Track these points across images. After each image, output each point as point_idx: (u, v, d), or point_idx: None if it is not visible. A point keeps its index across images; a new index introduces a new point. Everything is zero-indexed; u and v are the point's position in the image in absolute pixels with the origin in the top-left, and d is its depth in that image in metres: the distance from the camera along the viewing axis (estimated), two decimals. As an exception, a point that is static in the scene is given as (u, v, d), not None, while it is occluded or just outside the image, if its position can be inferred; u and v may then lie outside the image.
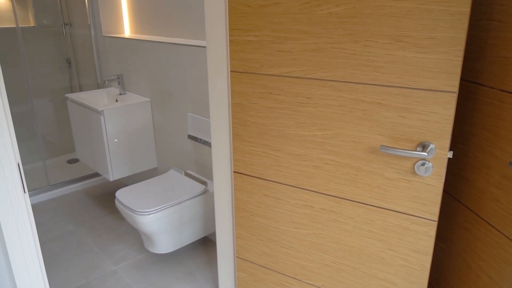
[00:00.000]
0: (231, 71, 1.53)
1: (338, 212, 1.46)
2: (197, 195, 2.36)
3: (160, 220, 2.22)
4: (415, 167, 1.25)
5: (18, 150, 1.14)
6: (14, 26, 3.45)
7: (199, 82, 2.40)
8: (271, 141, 1.52)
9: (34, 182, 3.43)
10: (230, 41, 1.49)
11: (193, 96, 2.48)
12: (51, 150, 3.96)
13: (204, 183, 2.44)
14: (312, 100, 1.38)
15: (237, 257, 1.81)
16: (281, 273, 1.70)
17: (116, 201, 2.34)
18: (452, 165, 1.40)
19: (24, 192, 1.16)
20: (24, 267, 1.20)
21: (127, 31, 3.19)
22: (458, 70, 1.11)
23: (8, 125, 1.08)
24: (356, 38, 1.23)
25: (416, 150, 1.22)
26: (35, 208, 3.17)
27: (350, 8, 1.21)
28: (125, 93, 3.12)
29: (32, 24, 3.65)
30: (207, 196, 2.40)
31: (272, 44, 1.39)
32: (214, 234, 2.71)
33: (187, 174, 2.58)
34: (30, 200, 3.21)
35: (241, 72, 1.50)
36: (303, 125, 1.42)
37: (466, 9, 1.05)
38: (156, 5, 2.75)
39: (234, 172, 1.67)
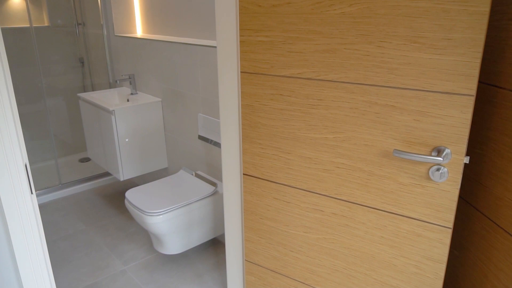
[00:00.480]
0: (241, 72, 1.51)
1: (349, 217, 1.42)
2: (207, 197, 2.34)
3: (169, 221, 2.21)
4: (430, 172, 1.21)
5: (25, 151, 1.13)
6: (28, 26, 3.48)
7: (210, 82, 2.38)
8: (281, 143, 1.49)
9: (46, 180, 3.46)
10: (240, 41, 1.47)
11: (204, 97, 2.47)
12: (63, 149, 3.99)
13: (214, 184, 2.42)
14: (323, 102, 1.34)
15: (246, 260, 1.78)
16: (290, 278, 1.67)
17: (125, 201, 2.33)
18: (468, 170, 1.35)
19: (32, 193, 1.15)
20: (31, 268, 1.19)
21: (139, 30, 3.19)
22: (476, 73, 1.07)
23: (15, 126, 1.08)
24: (370, 39, 1.19)
25: (431, 155, 1.18)
26: (47, 206, 3.20)
27: (363, 8, 1.18)
28: (137, 93, 3.13)
29: (46, 24, 3.68)
30: (217, 197, 2.38)
31: (283, 45, 1.37)
32: (223, 235, 2.69)
33: (197, 175, 2.56)
34: (42, 198, 3.25)
35: (251, 73, 1.48)
36: (314, 128, 1.39)
37: (486, 8, 1.01)
38: (168, 4, 2.74)
39: (243, 174, 1.64)
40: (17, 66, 3.59)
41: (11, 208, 1.10)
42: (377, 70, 1.21)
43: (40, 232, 1.21)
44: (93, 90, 3.92)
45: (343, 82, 1.28)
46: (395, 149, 1.21)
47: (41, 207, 3.19)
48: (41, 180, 3.47)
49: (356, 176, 1.36)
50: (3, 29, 3.45)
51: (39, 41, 3.65)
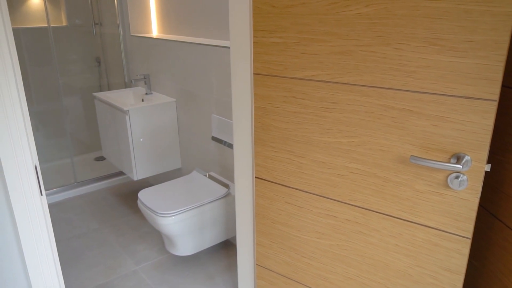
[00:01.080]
0: (254, 74, 1.48)
1: (363, 223, 1.38)
2: (219, 198, 2.32)
3: (181, 223, 2.20)
4: (448, 179, 1.16)
5: (36, 153, 1.12)
6: (46, 26, 3.53)
7: (224, 83, 2.36)
8: (294, 147, 1.46)
9: (61, 179, 3.49)
10: (254, 42, 1.44)
11: (217, 97, 2.45)
12: (79, 148, 4.03)
13: (226, 186, 2.40)
14: (338, 106, 1.31)
15: (257, 264, 1.76)
16: (302, 284, 1.63)
17: (138, 202, 2.33)
18: (489, 178, 1.29)
19: (41, 194, 1.14)
20: (40, 269, 1.19)
21: (155, 30, 3.20)
22: (499, 77, 1.02)
23: (26, 127, 1.07)
24: (387, 41, 1.15)
25: (449, 162, 1.13)
26: (62, 204, 3.23)
27: (381, 8, 1.14)
28: (151, 93, 3.13)
29: (64, 24, 3.72)
30: (229, 199, 2.36)
31: (297, 46, 1.33)
32: (235, 237, 2.66)
33: (210, 176, 2.55)
34: (57, 196, 3.28)
35: (264, 74, 1.45)
36: (328, 132, 1.36)
37: (511, 9, 0.96)
38: (184, 5, 2.73)
39: (255, 177, 1.62)
40: (35, 65, 3.64)
41: (20, 209, 1.10)
42: (394, 73, 1.17)
43: (49, 233, 1.20)
44: (109, 89, 3.95)
45: (359, 85, 1.24)
46: (412, 155, 1.17)
47: (57, 205, 3.23)
48: (57, 178, 3.51)
49: (371, 182, 1.32)
50: (22, 29, 3.50)
51: (56, 41, 3.69)
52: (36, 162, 1.13)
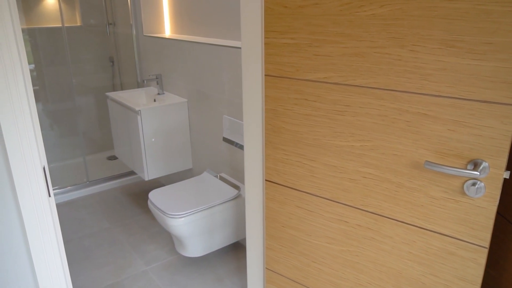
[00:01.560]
0: (265, 75, 1.46)
1: (375, 229, 1.35)
2: (230, 200, 2.30)
3: (191, 224, 2.19)
4: (465, 186, 1.12)
5: (44, 154, 1.12)
6: (61, 25, 3.55)
7: (236, 84, 2.35)
8: (305, 150, 1.43)
9: (74, 177, 3.52)
10: (265, 43, 1.42)
11: (229, 98, 2.43)
12: (92, 147, 4.06)
13: (237, 187, 2.38)
14: (350, 109, 1.27)
15: (267, 268, 1.73)
16: (312, 289, 1.60)
17: (148, 202, 2.33)
18: (508, 184, 1.25)
19: (49, 196, 1.14)
20: (47, 271, 1.18)
21: (167, 30, 3.19)
22: (520, 80, 0.98)
23: (34, 128, 1.06)
24: (402, 42, 1.12)
25: (466, 168, 1.09)
26: (74, 203, 3.25)
27: (396, 9, 1.10)
28: (163, 93, 3.13)
29: (78, 24, 3.75)
30: (239, 201, 2.34)
31: (309, 48, 1.30)
32: (245, 239, 2.65)
33: (221, 178, 2.53)
34: (70, 195, 3.30)
35: (275, 76, 1.43)
36: (340, 135, 1.32)
37: (533, 10, 0.92)
38: (196, 5, 2.72)
39: (266, 180, 1.59)
40: (50, 65, 3.67)
41: (28, 210, 1.10)
42: (409, 75, 1.13)
43: (57, 235, 1.20)
44: (122, 89, 3.96)
45: (372, 87, 1.21)
46: (426, 161, 1.13)
47: (69, 203, 3.25)
48: (69, 177, 3.54)
49: (384, 187, 1.28)
50: (37, 29, 3.54)
51: (71, 41, 3.72)
52: (45, 163, 1.12)
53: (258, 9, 1.43)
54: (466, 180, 1.11)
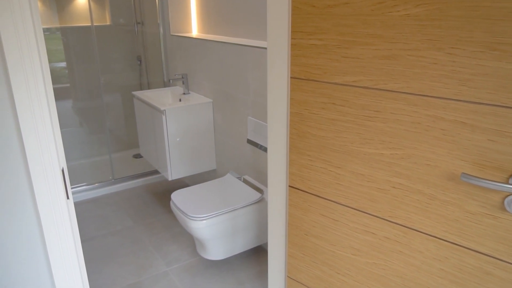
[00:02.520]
0: (291, 78, 1.40)
1: (404, 243, 1.27)
2: (253, 203, 2.26)
3: (213, 227, 2.15)
4: (506, 202, 1.03)
5: (63, 155, 1.10)
6: (90, 24, 3.60)
7: (261, 85, 2.30)
8: (331, 156, 1.37)
9: (100, 175, 3.56)
10: (292, 44, 1.36)
11: (254, 100, 2.39)
12: (119, 144, 4.11)
13: (260, 191, 2.34)
14: (381, 114, 1.20)
15: (288, 276, 1.68)
16: (335, 301, 1.54)
17: (171, 203, 2.31)
18: (552, 200, 1.15)
19: (68, 198, 1.12)
20: (65, 273, 1.17)
21: (194, 30, 3.18)
22: None
23: (53, 130, 1.05)
24: (439, 45, 1.04)
25: (507, 183, 1.00)
26: (99, 200, 3.29)
27: (433, 9, 1.02)
28: (189, 93, 3.12)
29: (108, 23, 3.80)
30: (262, 204, 2.29)
31: (338, 49, 1.24)
32: (267, 244, 2.60)
33: (244, 180, 2.49)
34: (95, 192, 3.34)
35: (302, 79, 1.37)
36: (369, 142, 1.25)
37: None
38: (224, 4, 2.69)
39: (289, 186, 1.54)
40: (79, 63, 3.73)
41: (46, 212, 1.08)
42: (446, 80, 1.05)
43: (74, 237, 1.18)
44: (149, 88, 3.99)
45: (405, 92, 1.13)
46: (463, 173, 1.05)
47: (94, 200, 3.29)
48: (95, 175, 3.58)
49: (415, 199, 1.20)
50: (69, 28, 3.60)
51: (99, 40, 3.76)
52: (64, 165, 1.11)
53: (285, 9, 1.38)
54: (507, 196, 1.02)
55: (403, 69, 1.12)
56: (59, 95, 3.73)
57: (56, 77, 3.73)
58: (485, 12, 0.95)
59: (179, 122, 2.78)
